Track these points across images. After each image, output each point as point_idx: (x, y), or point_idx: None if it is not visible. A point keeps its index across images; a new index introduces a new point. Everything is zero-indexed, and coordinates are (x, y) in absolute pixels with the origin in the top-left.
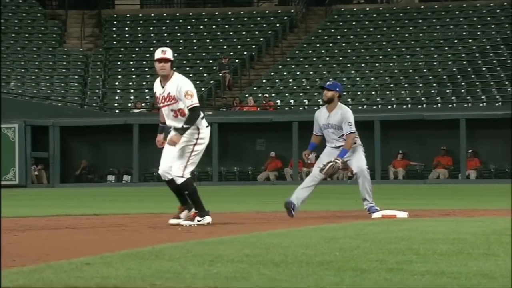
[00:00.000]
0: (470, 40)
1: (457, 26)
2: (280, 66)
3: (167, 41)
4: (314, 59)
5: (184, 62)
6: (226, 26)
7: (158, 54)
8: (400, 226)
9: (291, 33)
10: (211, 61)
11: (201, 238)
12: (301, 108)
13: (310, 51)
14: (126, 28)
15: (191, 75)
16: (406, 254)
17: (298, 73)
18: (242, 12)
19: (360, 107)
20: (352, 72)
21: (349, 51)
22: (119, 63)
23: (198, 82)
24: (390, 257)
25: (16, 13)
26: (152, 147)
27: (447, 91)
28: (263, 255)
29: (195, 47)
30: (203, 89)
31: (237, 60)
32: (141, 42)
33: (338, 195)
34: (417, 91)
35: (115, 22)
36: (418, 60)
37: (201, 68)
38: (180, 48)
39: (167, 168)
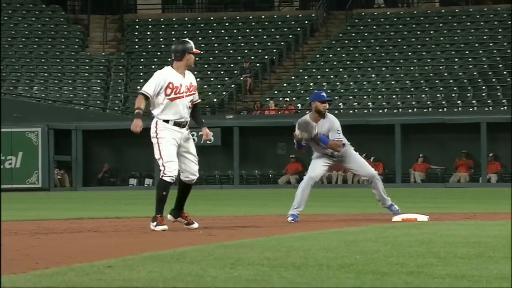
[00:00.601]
0: (491, 44)
1: (478, 30)
2: (300, 70)
3: None
4: (335, 63)
5: (206, 66)
6: (247, 30)
7: (194, 47)
8: (420, 229)
9: (312, 37)
10: (232, 65)
11: (222, 241)
12: None
13: (330, 55)
14: (148, 32)
15: (212, 79)
16: (427, 257)
17: (318, 77)
18: (263, 16)
19: (380, 111)
20: (373, 76)
21: (369, 55)
22: (141, 67)
23: (219, 86)
24: (411, 260)
25: (39, 18)
26: None
27: (468, 94)
28: (284, 258)
29: (216, 51)
30: (224, 93)
31: (258, 64)
32: (162, 46)
33: (359, 198)
34: (438, 95)
35: (137, 27)
36: (438, 64)
37: (222, 72)
38: (202, 52)
39: (194, 171)
